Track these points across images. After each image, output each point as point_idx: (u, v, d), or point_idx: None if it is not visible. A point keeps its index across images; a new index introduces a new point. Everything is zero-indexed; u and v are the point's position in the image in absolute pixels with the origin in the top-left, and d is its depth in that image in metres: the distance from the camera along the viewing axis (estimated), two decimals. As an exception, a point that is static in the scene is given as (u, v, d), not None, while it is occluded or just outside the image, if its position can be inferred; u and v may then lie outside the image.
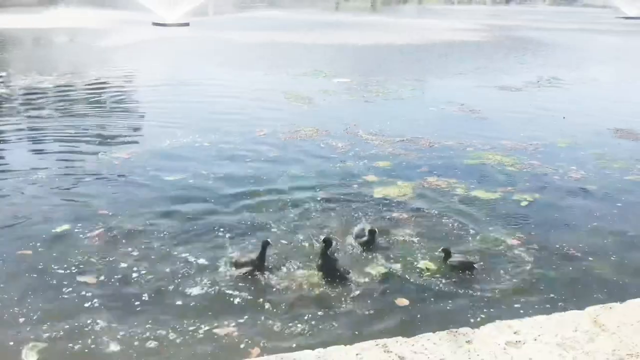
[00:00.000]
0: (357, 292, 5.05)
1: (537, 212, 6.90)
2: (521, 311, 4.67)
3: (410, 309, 4.83)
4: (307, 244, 5.88)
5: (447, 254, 5.49)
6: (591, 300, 4.59)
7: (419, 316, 4.72)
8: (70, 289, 4.98)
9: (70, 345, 4.25)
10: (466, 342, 3.42)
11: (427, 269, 5.47)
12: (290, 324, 4.55)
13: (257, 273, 5.27)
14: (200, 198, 7.10)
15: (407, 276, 5.35)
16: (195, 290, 5.02)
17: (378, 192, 7.38)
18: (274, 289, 5.08)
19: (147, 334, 4.39)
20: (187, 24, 33.52)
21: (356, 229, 6.04)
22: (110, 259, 5.51)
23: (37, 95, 13.40)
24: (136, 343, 4.29)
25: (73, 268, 5.31)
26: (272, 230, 6.23)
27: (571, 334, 3.51)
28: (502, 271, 5.48)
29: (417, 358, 3.26)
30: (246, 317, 4.64)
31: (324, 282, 5.18)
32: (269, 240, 5.47)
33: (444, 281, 5.27)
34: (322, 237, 5.55)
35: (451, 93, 14.66)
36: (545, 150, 9.48)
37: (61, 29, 29.95)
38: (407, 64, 20.09)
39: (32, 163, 8.36)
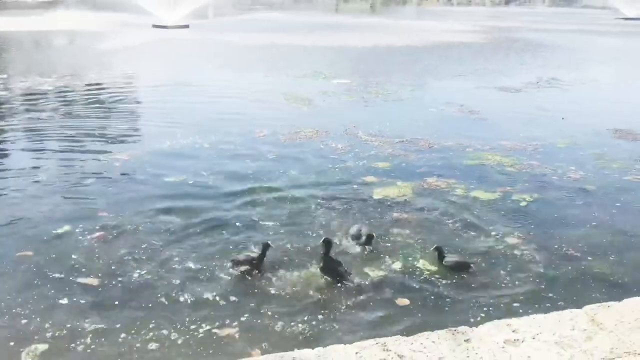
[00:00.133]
0: (358, 293, 5.07)
1: (536, 212, 6.93)
2: (520, 310, 4.69)
3: (410, 309, 4.84)
4: (307, 245, 5.90)
5: (440, 252, 5.53)
6: (590, 299, 4.60)
7: (419, 315, 4.74)
8: (71, 290, 5.00)
9: (72, 346, 4.26)
10: (465, 340, 3.43)
11: (427, 269, 5.49)
12: (291, 324, 4.56)
13: (256, 273, 5.29)
14: (201, 199, 7.12)
15: (407, 276, 5.37)
16: (196, 291, 5.04)
17: (378, 193, 7.40)
18: (275, 290, 5.09)
19: (149, 335, 4.41)
20: (187, 26, 33.57)
21: (352, 230, 6.04)
22: (111, 260, 5.52)
23: (37, 97, 13.43)
24: (138, 345, 4.30)
25: (74, 269, 5.33)
26: (272, 231, 6.26)
27: (569, 332, 3.53)
28: (501, 271, 5.50)
29: (416, 356, 3.28)
30: (247, 317, 4.66)
31: (324, 283, 5.20)
32: (269, 242, 5.50)
33: (443, 281, 5.29)
34: (322, 239, 5.56)
35: (451, 94, 14.69)
36: (544, 151, 9.50)
37: (61, 31, 30.01)
38: (406, 65, 20.12)
39: (32, 164, 8.40)
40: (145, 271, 5.34)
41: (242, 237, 6.10)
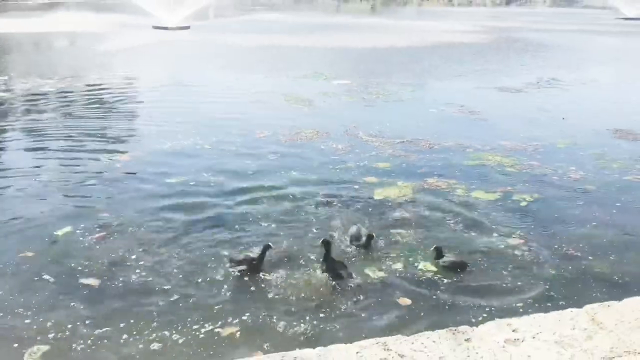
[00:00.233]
0: (359, 293, 5.08)
1: (537, 212, 6.94)
2: (521, 310, 4.70)
3: (412, 309, 4.86)
4: (308, 245, 5.91)
5: (439, 252, 5.55)
6: (590, 299, 4.62)
7: (420, 315, 4.75)
8: (73, 290, 5.02)
9: (74, 347, 4.28)
10: (465, 340, 3.44)
11: (428, 269, 5.51)
12: (293, 324, 4.58)
13: (254, 273, 5.30)
14: (201, 199, 7.13)
15: (407, 276, 5.38)
16: (197, 291, 5.06)
17: (378, 193, 7.42)
18: (276, 290, 5.11)
19: (151, 335, 4.43)
20: (187, 27, 33.57)
21: (352, 231, 6.03)
22: (112, 260, 5.54)
23: (38, 98, 13.45)
24: (140, 345, 4.32)
25: (75, 270, 5.35)
26: (273, 231, 6.27)
27: (569, 331, 3.54)
28: (502, 271, 5.51)
29: (417, 356, 3.29)
30: (248, 317, 4.67)
31: (326, 283, 5.21)
32: (270, 244, 5.51)
33: (444, 281, 5.30)
34: (320, 240, 5.56)
35: (451, 94, 14.70)
36: (544, 151, 9.51)
37: (62, 32, 30.01)
38: (407, 66, 20.13)
39: (34, 165, 8.43)
40: (146, 271, 5.36)
41: (243, 238, 6.12)
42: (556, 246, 6.02)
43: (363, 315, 4.76)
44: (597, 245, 6.06)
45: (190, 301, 4.91)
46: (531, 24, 43.01)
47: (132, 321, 4.59)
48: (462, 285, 5.24)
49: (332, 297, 5.03)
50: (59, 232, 6.11)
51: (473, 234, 6.31)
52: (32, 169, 8.23)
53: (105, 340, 4.36)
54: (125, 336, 4.41)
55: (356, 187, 7.68)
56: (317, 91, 14.62)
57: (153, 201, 7.06)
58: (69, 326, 4.51)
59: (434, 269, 5.51)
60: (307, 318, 4.67)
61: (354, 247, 5.87)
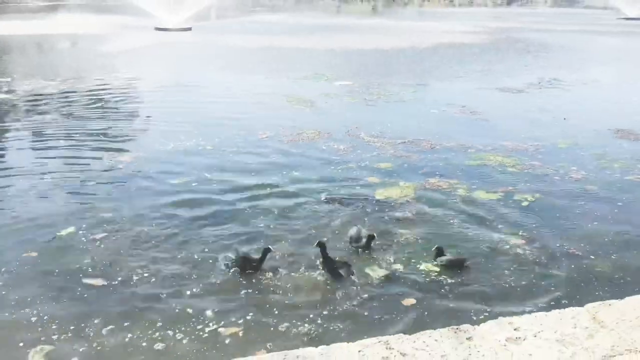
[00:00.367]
0: (362, 293, 5.10)
1: (538, 211, 6.96)
2: (522, 309, 4.71)
3: (416, 308, 4.88)
4: (310, 245, 5.93)
5: (440, 252, 5.57)
6: (592, 298, 4.63)
7: (422, 314, 4.78)
8: (76, 291, 5.05)
9: (77, 347, 4.31)
10: (467, 338, 3.47)
11: (429, 269, 5.53)
12: (296, 324, 4.61)
13: (255, 274, 5.33)
14: (204, 200, 7.16)
15: (410, 276, 5.41)
16: (200, 291, 5.08)
17: (380, 194, 7.44)
18: (279, 290, 5.13)
19: (155, 334, 4.46)
20: (189, 29, 33.60)
21: (352, 232, 6.02)
22: (115, 260, 5.58)
23: (41, 99, 13.50)
24: (144, 344, 4.35)
25: (78, 270, 5.38)
26: (275, 232, 6.30)
27: (570, 330, 3.56)
28: (504, 270, 5.54)
29: (419, 354, 3.31)
30: (251, 316, 4.70)
31: (328, 283, 5.24)
32: (270, 247, 5.53)
33: (447, 281, 5.33)
34: (315, 242, 5.54)
35: (452, 95, 14.73)
36: (546, 151, 9.53)
37: (64, 34, 30.05)
38: (408, 67, 20.15)
39: (37, 166, 8.45)
40: (149, 271, 5.38)
41: (245, 238, 6.14)
42: (557, 245, 6.04)
43: (367, 315, 4.79)
44: (598, 245, 6.09)
45: (194, 300, 4.94)
46: (532, 25, 42.98)
47: (136, 320, 4.62)
48: (464, 285, 5.27)
49: (334, 296, 5.05)
50: (63, 232, 6.14)
51: (474, 233, 6.33)
52: (36, 170, 8.26)
53: (110, 340, 4.38)
54: (129, 335, 4.44)
55: (358, 187, 7.71)
56: (319, 92, 14.64)
57: (156, 201, 7.10)
58: (72, 327, 4.53)
59: (436, 269, 5.54)
60: (310, 317, 4.69)
61: (354, 248, 5.89)
